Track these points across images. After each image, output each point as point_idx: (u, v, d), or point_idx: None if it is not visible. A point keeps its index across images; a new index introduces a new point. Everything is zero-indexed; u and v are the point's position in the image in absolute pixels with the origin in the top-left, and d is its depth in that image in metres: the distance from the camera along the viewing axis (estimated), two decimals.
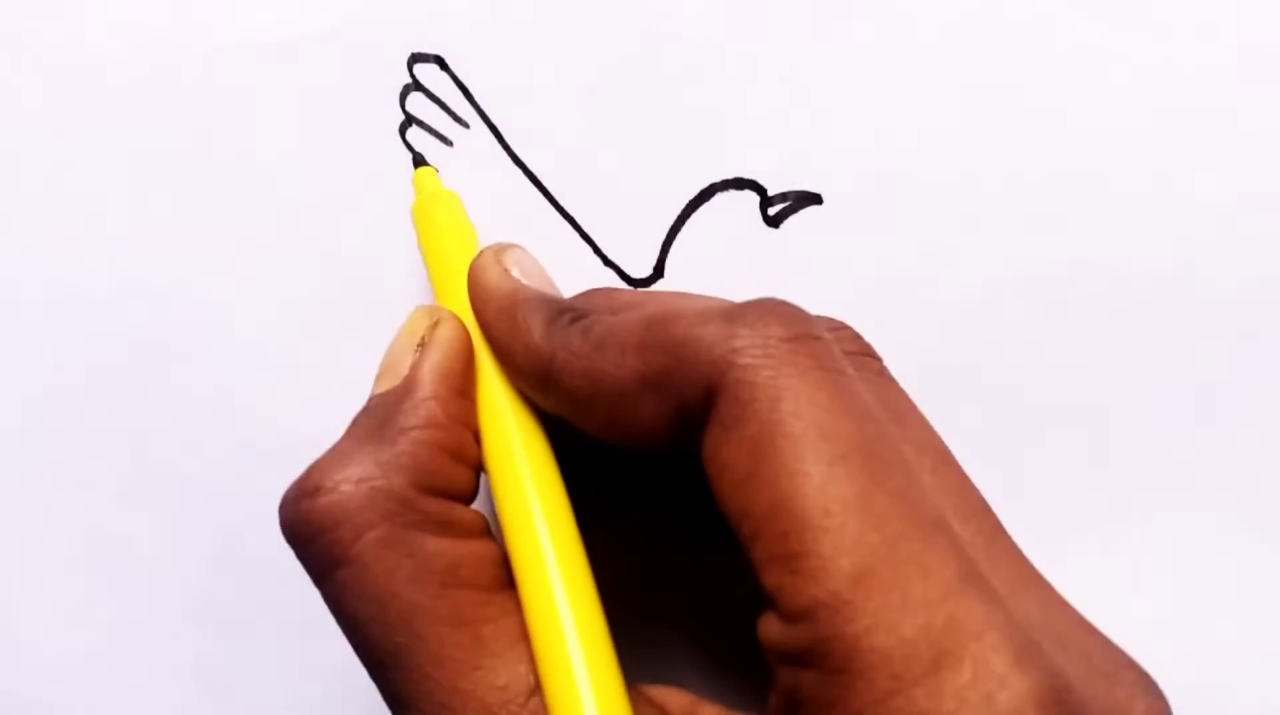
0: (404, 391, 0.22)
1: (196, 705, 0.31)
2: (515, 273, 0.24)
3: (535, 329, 0.22)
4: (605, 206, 0.28)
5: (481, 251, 0.24)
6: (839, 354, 0.19)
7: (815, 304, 0.28)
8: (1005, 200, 0.27)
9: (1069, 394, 0.27)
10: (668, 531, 0.25)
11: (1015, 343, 0.27)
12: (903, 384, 0.27)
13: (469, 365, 0.23)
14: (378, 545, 0.20)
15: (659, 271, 0.28)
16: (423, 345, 0.23)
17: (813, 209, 0.27)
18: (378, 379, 0.23)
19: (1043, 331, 0.27)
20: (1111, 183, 0.27)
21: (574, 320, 0.22)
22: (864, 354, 0.22)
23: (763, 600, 0.18)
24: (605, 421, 0.21)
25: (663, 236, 0.28)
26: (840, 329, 0.23)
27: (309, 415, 0.30)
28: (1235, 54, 0.26)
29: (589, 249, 0.28)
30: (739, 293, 0.28)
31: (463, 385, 0.23)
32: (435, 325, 0.24)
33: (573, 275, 0.28)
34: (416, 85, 0.28)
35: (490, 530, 0.22)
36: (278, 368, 0.30)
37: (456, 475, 0.22)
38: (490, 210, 0.29)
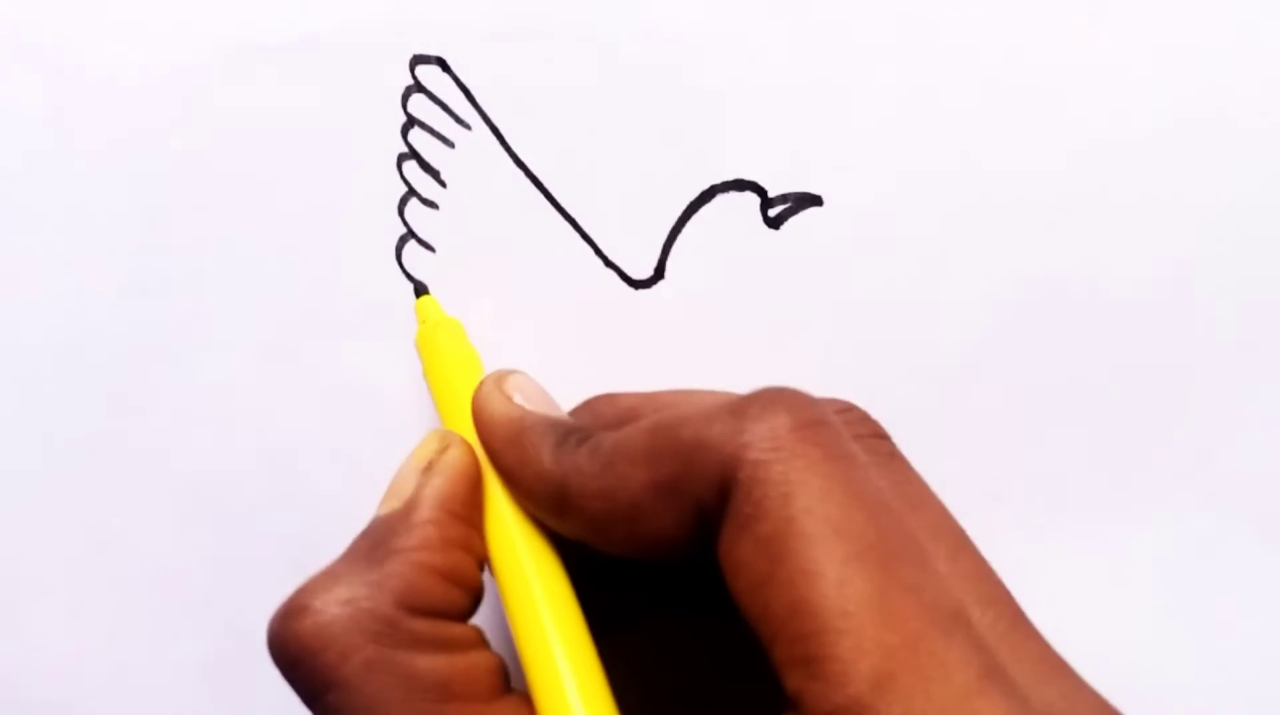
0: (402, 514, 0.22)
1: (198, 706, 0.31)
2: (518, 399, 0.24)
3: (544, 455, 0.22)
4: (606, 208, 0.28)
5: (483, 380, 0.24)
6: (848, 439, 0.19)
7: (816, 304, 0.28)
8: (1005, 201, 0.27)
9: (1068, 395, 0.27)
10: (683, 633, 0.25)
11: (1015, 344, 0.27)
12: (903, 386, 0.27)
13: (475, 491, 0.23)
14: (365, 668, 0.20)
15: (659, 273, 0.28)
16: (429, 469, 0.23)
17: (813, 210, 0.27)
18: (382, 501, 0.24)
19: (1042, 332, 0.27)
20: (1112, 184, 0.27)
21: (581, 441, 0.22)
22: (874, 436, 0.22)
23: (784, 702, 0.18)
24: (624, 538, 0.21)
25: (664, 238, 0.28)
26: (848, 411, 0.22)
27: (309, 416, 0.30)
28: (1235, 59, 0.26)
29: (590, 250, 0.28)
30: (740, 293, 0.28)
31: (465, 510, 0.23)
32: (444, 450, 0.24)
33: (573, 276, 0.29)
34: (418, 87, 0.28)
35: (485, 640, 0.22)
36: (278, 368, 0.30)
37: (449, 596, 0.22)
38: (491, 211, 0.29)
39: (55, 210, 0.30)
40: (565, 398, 0.29)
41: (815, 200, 0.27)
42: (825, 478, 0.18)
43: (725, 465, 0.18)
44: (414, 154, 0.29)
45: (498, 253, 0.29)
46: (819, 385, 0.28)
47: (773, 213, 0.28)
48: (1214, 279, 0.27)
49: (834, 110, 0.27)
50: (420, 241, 0.29)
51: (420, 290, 0.28)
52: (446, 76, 0.28)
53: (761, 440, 0.18)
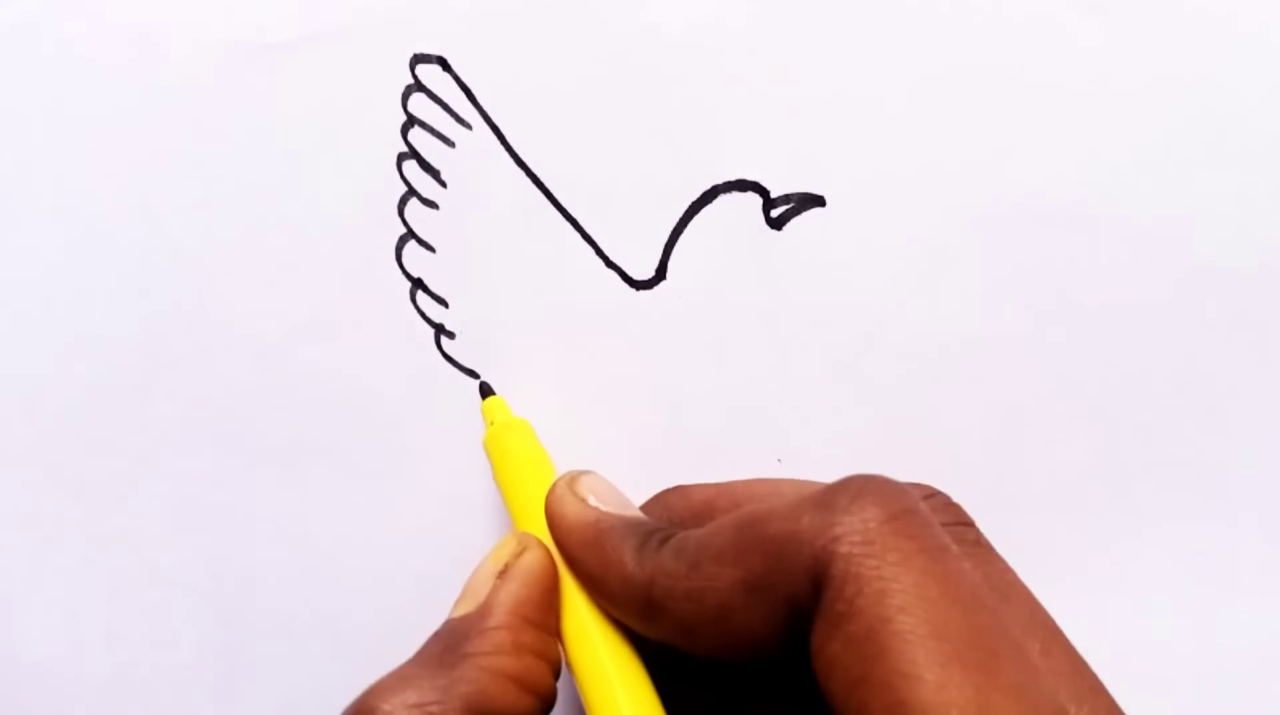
0: (477, 618, 0.22)
1: (198, 706, 0.31)
2: (593, 501, 0.24)
3: (627, 558, 0.22)
4: (607, 208, 0.28)
5: (555, 483, 0.24)
6: (940, 530, 0.19)
7: (818, 305, 0.28)
8: (1008, 202, 0.27)
9: (1070, 397, 0.27)
10: None
11: (1017, 345, 0.27)
12: (905, 386, 0.27)
13: (550, 595, 0.23)
14: None
15: (661, 273, 0.28)
16: (504, 573, 0.23)
17: (816, 211, 0.27)
18: (457, 603, 0.24)
19: (1045, 334, 0.27)
20: (1116, 186, 0.27)
21: (663, 541, 0.21)
22: (959, 523, 0.21)
23: None
24: (714, 639, 0.20)
25: (665, 238, 0.28)
26: (933, 497, 0.22)
27: (308, 415, 0.30)
28: (1236, 57, 0.26)
29: (591, 251, 0.28)
30: (741, 294, 0.28)
31: (540, 616, 0.23)
32: (520, 553, 0.24)
33: (575, 276, 0.28)
34: (419, 86, 0.28)
35: None
36: (277, 367, 0.30)
37: (520, 703, 0.22)
38: (491, 211, 0.29)
39: (55, 210, 0.30)
40: (566, 399, 0.29)
41: (818, 201, 0.27)
42: (920, 573, 0.18)
43: (817, 560, 0.18)
44: (414, 153, 0.28)
45: (498, 253, 0.29)
46: (819, 386, 0.28)
47: (775, 213, 0.27)
48: (1219, 281, 0.27)
49: (836, 110, 0.27)
50: (420, 241, 0.29)
51: (486, 391, 0.28)
52: (447, 76, 0.28)
53: (853, 533, 0.18)
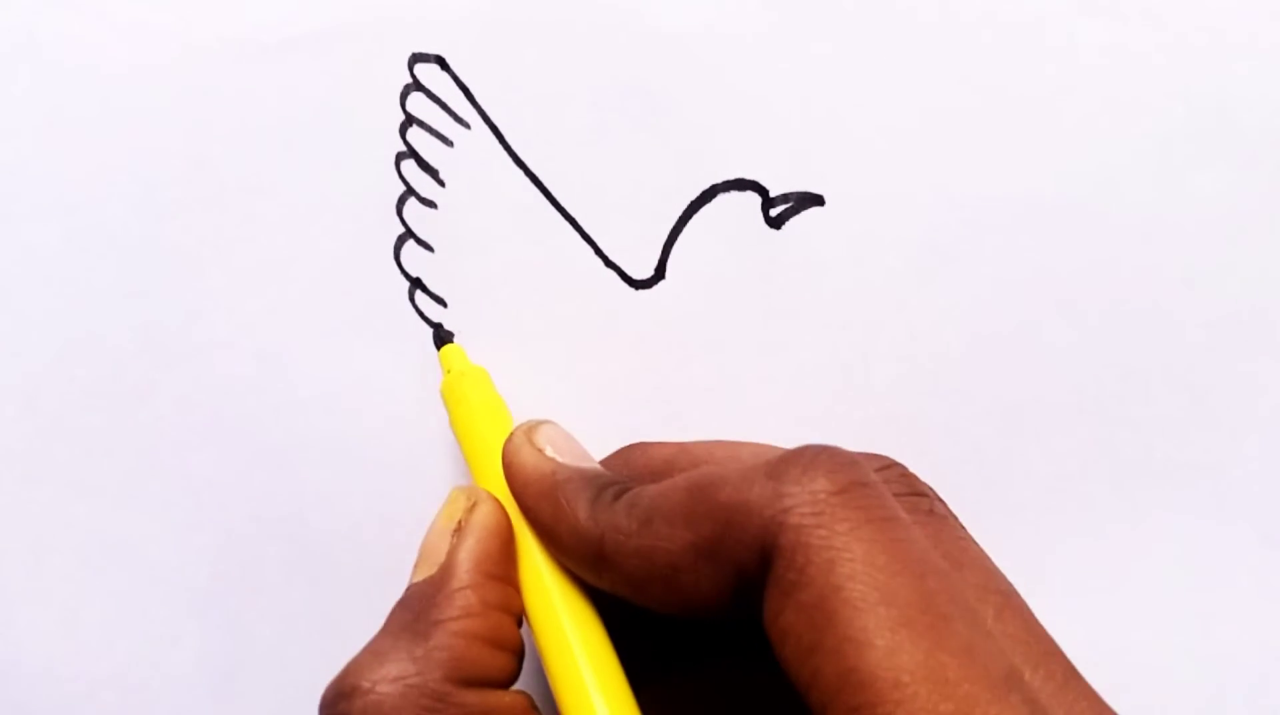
0: (440, 581, 0.22)
1: (198, 706, 0.31)
2: (549, 451, 0.23)
3: (580, 511, 0.22)
4: (606, 207, 0.28)
5: (512, 432, 0.24)
6: (890, 499, 0.19)
7: (817, 304, 0.28)
8: (1008, 202, 0.27)
9: (1071, 395, 0.27)
10: (723, 681, 0.24)
11: (1016, 345, 0.27)
12: (904, 385, 0.27)
13: (508, 547, 0.23)
14: None
15: (660, 273, 0.28)
16: (459, 530, 0.23)
17: (815, 210, 0.27)
18: (415, 567, 0.23)
19: (1045, 334, 0.27)
20: (1115, 186, 0.26)
21: (617, 495, 0.21)
22: (915, 494, 0.21)
23: None
24: (662, 596, 0.20)
25: (664, 237, 0.28)
26: (888, 468, 0.22)
27: (307, 415, 0.30)
28: (1237, 56, 0.26)
29: (590, 250, 0.28)
30: (741, 294, 0.28)
31: (501, 569, 0.23)
32: (472, 508, 0.23)
33: (573, 276, 0.28)
34: (417, 85, 0.28)
35: (535, 708, 0.22)
36: (276, 367, 0.30)
37: (496, 662, 0.22)
38: (490, 211, 0.28)
39: (55, 210, 0.30)
40: (566, 400, 0.29)
41: (817, 200, 0.27)
42: (868, 542, 0.18)
43: (766, 529, 0.18)
44: (412, 153, 0.28)
45: (496, 252, 0.29)
46: (819, 386, 0.28)
47: (774, 212, 0.27)
48: (1219, 282, 0.27)
49: (835, 110, 0.27)
50: (419, 241, 0.29)
51: (443, 338, 0.28)
52: (445, 75, 0.28)
53: (802, 504, 0.18)
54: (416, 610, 0.22)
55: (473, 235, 0.29)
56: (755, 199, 0.27)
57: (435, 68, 0.28)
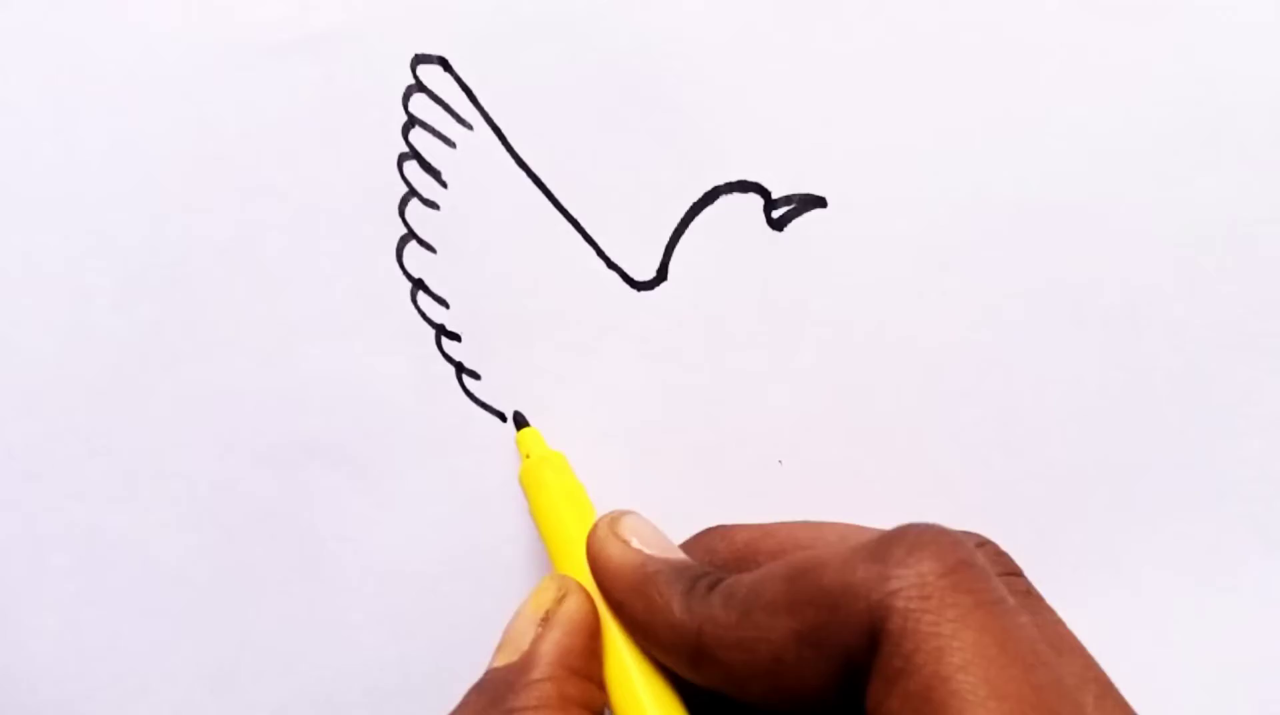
0: (520, 669, 0.22)
1: (197, 706, 0.31)
2: (635, 543, 0.23)
3: (675, 604, 0.21)
4: (608, 208, 0.28)
5: (596, 525, 0.24)
6: (997, 583, 0.18)
7: (819, 306, 0.28)
8: (1009, 203, 0.27)
9: (1072, 396, 0.27)
10: None
11: (1017, 345, 0.27)
12: (905, 386, 0.27)
13: (594, 643, 0.23)
14: None
15: (662, 274, 0.28)
16: (546, 620, 0.23)
17: (817, 212, 0.27)
18: (498, 651, 0.23)
19: (1045, 335, 0.27)
20: (1115, 188, 0.27)
21: (711, 586, 0.21)
22: (1010, 573, 0.21)
23: None
24: (765, 690, 0.20)
25: (666, 239, 0.28)
26: (983, 546, 0.21)
27: (308, 415, 0.30)
28: (1238, 56, 0.26)
29: (592, 251, 0.28)
30: (743, 295, 0.28)
31: (584, 664, 0.22)
32: (561, 598, 0.23)
33: (576, 277, 0.28)
34: (420, 86, 0.28)
35: None
36: (278, 368, 0.30)
37: None
38: (492, 212, 0.28)
39: (55, 210, 0.30)
40: (567, 400, 0.29)
41: (819, 202, 0.27)
42: (978, 629, 0.17)
43: (873, 614, 0.18)
44: (415, 154, 0.28)
45: (499, 254, 0.29)
46: (820, 387, 0.28)
47: (776, 214, 0.27)
48: (1219, 282, 0.27)
49: (837, 112, 0.27)
50: (421, 242, 0.29)
51: (521, 422, 0.28)
52: (448, 76, 0.28)
53: (910, 587, 0.18)
54: (492, 697, 0.22)
55: (475, 236, 0.29)
56: (757, 201, 0.27)
57: (438, 69, 0.28)
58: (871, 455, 0.28)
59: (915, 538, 0.19)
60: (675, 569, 0.22)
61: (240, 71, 0.28)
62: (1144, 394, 0.27)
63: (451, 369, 0.29)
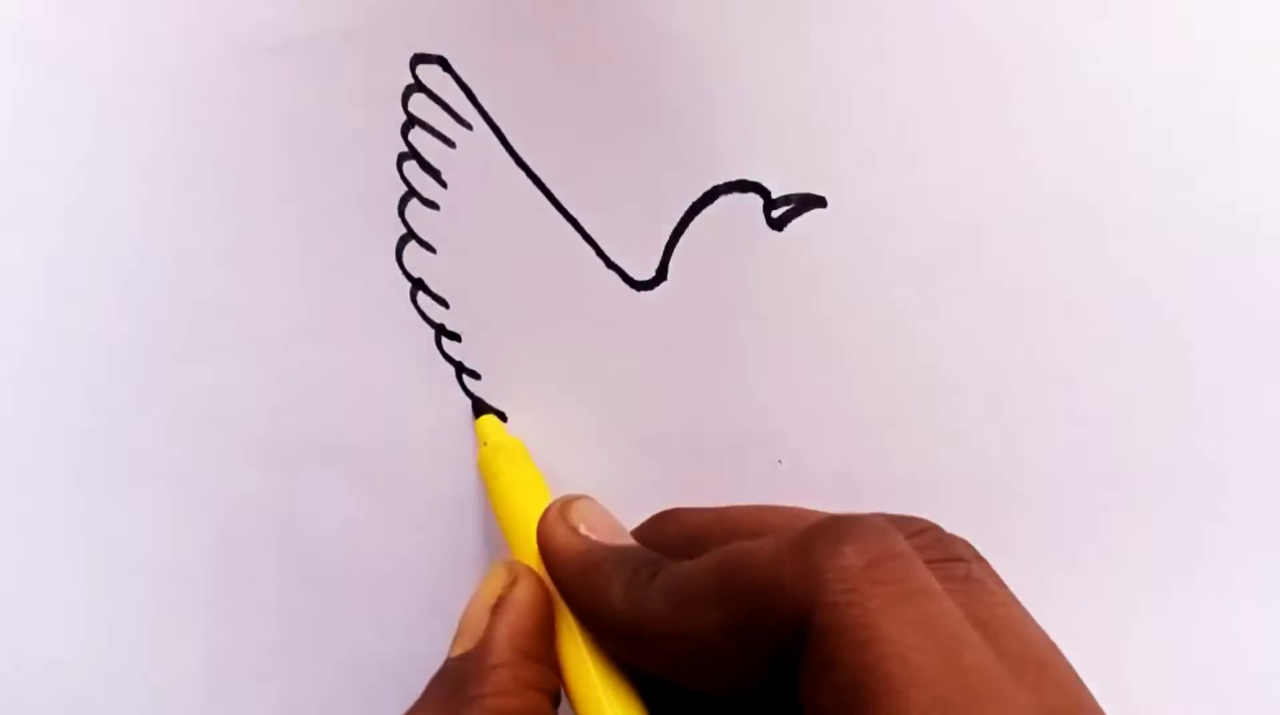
0: (476, 657, 0.23)
1: (196, 706, 0.31)
2: (583, 529, 0.23)
3: (616, 592, 0.22)
4: (608, 208, 0.28)
5: (546, 510, 0.24)
6: (924, 572, 0.19)
7: (819, 306, 0.28)
8: (1008, 203, 0.27)
9: (1072, 396, 0.27)
10: None
11: (1017, 346, 0.27)
12: (905, 387, 0.27)
13: (546, 625, 0.23)
14: None
15: (662, 274, 0.28)
16: (499, 606, 0.23)
17: (817, 211, 0.27)
18: (455, 640, 0.24)
19: (1045, 333, 0.27)
20: (1115, 188, 0.27)
21: (652, 575, 0.21)
22: (949, 559, 0.21)
23: None
24: (699, 677, 0.20)
25: (666, 238, 0.28)
26: (922, 532, 0.21)
27: (308, 416, 0.30)
28: (1238, 59, 0.26)
29: (592, 251, 0.28)
30: (742, 295, 0.28)
31: (537, 647, 0.23)
32: (512, 584, 0.24)
33: (575, 277, 0.28)
34: (419, 86, 0.28)
35: None
36: (277, 368, 0.30)
37: None
38: (492, 212, 0.28)
39: (55, 210, 0.30)
40: (566, 401, 0.29)
41: (819, 201, 0.27)
42: (900, 622, 0.18)
43: (799, 607, 0.18)
44: (414, 154, 0.28)
45: (498, 253, 0.29)
46: (820, 387, 0.28)
47: (776, 214, 0.27)
48: (1219, 282, 0.27)
49: (838, 111, 0.27)
50: (420, 242, 0.29)
51: (480, 408, 0.28)
52: (448, 76, 0.28)
53: (833, 581, 0.18)
54: (452, 686, 0.22)
55: (474, 236, 0.29)
56: (757, 201, 0.27)
57: (437, 68, 0.28)
58: (871, 455, 0.28)
59: (839, 530, 0.19)
60: (620, 556, 0.22)
61: (240, 71, 0.28)
62: (1144, 394, 0.27)
63: (451, 369, 0.29)
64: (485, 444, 0.28)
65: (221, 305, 0.29)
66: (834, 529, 0.19)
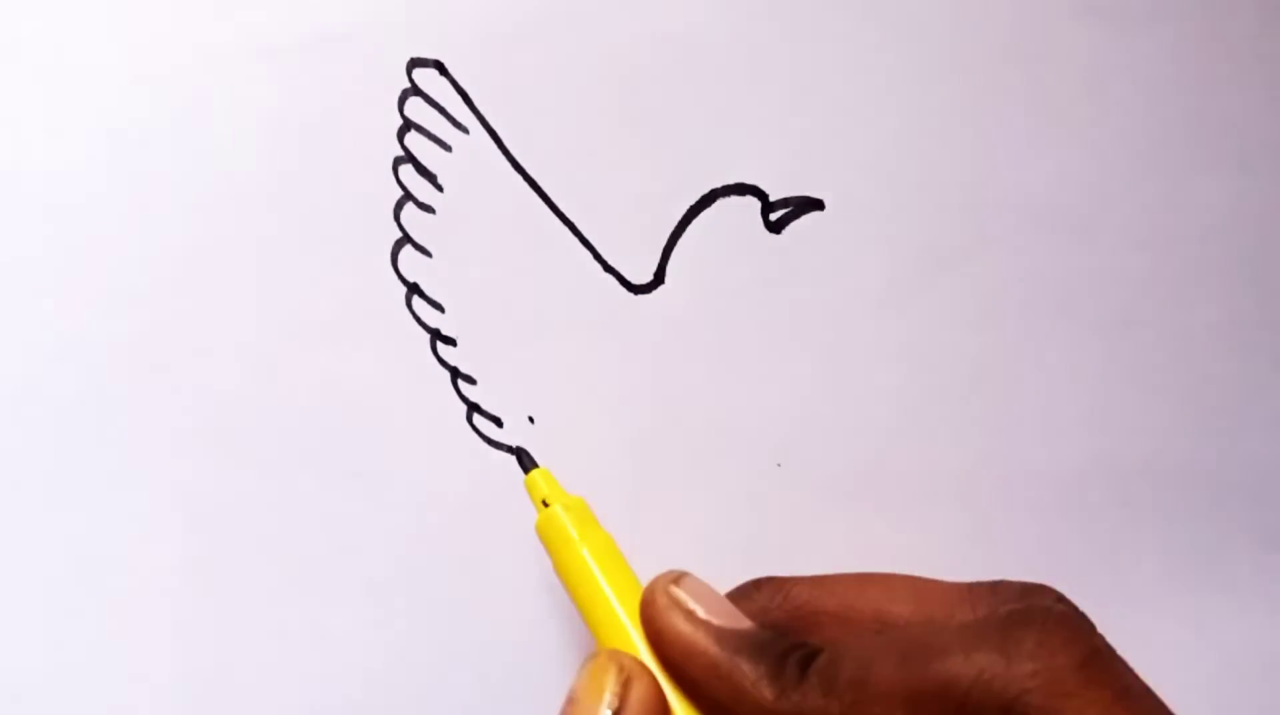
0: None
1: (193, 710, 0.31)
2: (701, 613, 0.21)
3: (765, 689, 0.20)
4: (605, 212, 0.28)
5: (653, 592, 0.22)
6: (1127, 668, 0.18)
7: (817, 309, 0.28)
8: (1007, 204, 0.27)
9: (1071, 397, 0.27)
10: None
11: (1016, 348, 0.27)
12: (904, 389, 0.27)
13: None
14: None
15: (659, 277, 0.28)
16: (617, 713, 0.21)
17: (814, 214, 0.27)
18: None
19: (1044, 334, 0.27)
20: (1113, 188, 0.27)
21: (801, 665, 0.20)
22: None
23: None
24: None
25: (664, 242, 0.28)
26: (1062, 599, 0.20)
27: (303, 420, 0.29)
28: (1234, 59, 0.26)
29: (589, 255, 0.28)
30: (740, 298, 0.28)
31: None
32: (626, 682, 0.21)
33: (572, 281, 0.28)
34: (415, 90, 0.28)
35: None
36: (272, 372, 0.29)
37: None
38: (488, 216, 0.28)
39: (49, 212, 0.29)
40: (565, 404, 0.29)
41: (817, 204, 0.27)
42: None
43: (1003, 706, 0.17)
44: (410, 157, 0.28)
45: (495, 257, 0.29)
46: (819, 389, 0.28)
47: (774, 217, 0.27)
48: (1218, 284, 0.27)
49: (835, 114, 0.27)
50: (416, 246, 0.29)
51: (528, 462, 0.26)
52: (444, 80, 0.28)
53: (1047, 685, 0.17)
54: None
55: (471, 240, 0.29)
56: (755, 203, 0.27)
57: (434, 72, 0.28)
58: (871, 456, 0.28)
59: (1042, 623, 0.18)
60: (755, 644, 0.21)
61: (235, 74, 0.28)
62: (1144, 394, 0.27)
63: (447, 373, 0.29)
64: (546, 505, 0.25)
65: (215, 309, 0.29)
66: (1036, 621, 0.18)
